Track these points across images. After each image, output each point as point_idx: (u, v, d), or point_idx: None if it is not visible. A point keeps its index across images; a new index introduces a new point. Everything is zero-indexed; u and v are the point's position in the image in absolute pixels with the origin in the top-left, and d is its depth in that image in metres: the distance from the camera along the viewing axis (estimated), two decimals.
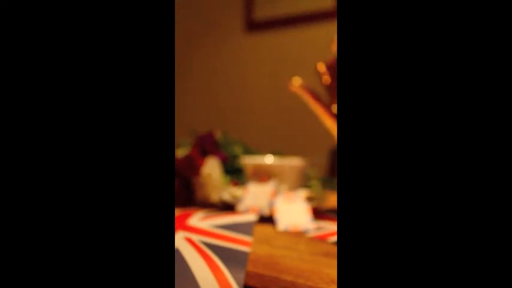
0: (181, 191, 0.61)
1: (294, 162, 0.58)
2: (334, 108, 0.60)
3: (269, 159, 0.65)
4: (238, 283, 0.31)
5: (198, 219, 0.47)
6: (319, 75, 0.63)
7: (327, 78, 0.61)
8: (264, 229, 0.47)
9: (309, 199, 0.61)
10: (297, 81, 0.62)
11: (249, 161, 0.59)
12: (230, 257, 0.35)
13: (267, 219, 0.51)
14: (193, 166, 0.61)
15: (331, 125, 0.61)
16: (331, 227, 0.49)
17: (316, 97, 0.62)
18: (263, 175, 0.56)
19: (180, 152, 0.70)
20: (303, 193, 0.64)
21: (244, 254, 0.36)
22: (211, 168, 0.60)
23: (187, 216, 0.49)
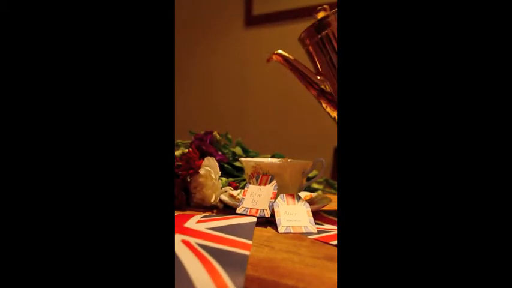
0: (179, 193, 0.59)
1: (295, 163, 0.57)
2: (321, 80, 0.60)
3: (269, 160, 0.63)
4: (237, 287, 0.30)
5: (195, 221, 0.46)
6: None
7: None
8: (264, 231, 0.46)
9: (311, 201, 0.60)
10: (278, 53, 0.62)
11: (248, 162, 0.58)
12: (229, 261, 0.34)
13: (268, 221, 0.50)
14: (191, 167, 0.60)
15: (317, 97, 0.62)
16: (333, 229, 0.48)
17: (298, 67, 0.62)
18: (263, 176, 0.55)
19: (178, 153, 0.69)
20: (304, 195, 0.63)
21: (244, 258, 0.35)
22: (210, 169, 0.59)
23: (185, 218, 0.48)
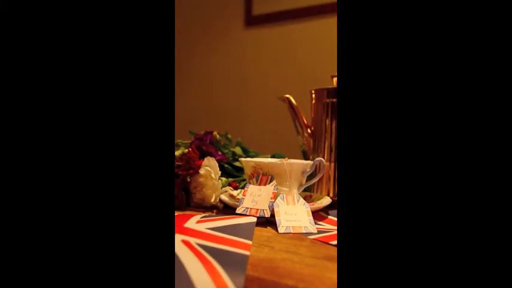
0: (179, 193, 0.59)
1: (295, 163, 0.57)
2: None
3: (269, 160, 0.63)
4: (237, 287, 0.30)
5: (195, 221, 0.46)
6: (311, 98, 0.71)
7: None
8: (264, 231, 0.46)
9: (311, 201, 0.60)
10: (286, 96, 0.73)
11: (248, 162, 0.58)
12: (229, 261, 0.34)
13: (268, 221, 0.50)
14: (191, 167, 0.60)
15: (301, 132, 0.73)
16: (333, 229, 0.48)
17: (297, 115, 0.73)
18: (263, 176, 0.55)
19: (178, 153, 0.69)
20: (304, 194, 0.63)
21: (244, 258, 0.35)
22: (210, 169, 0.59)
23: (185, 218, 0.48)
